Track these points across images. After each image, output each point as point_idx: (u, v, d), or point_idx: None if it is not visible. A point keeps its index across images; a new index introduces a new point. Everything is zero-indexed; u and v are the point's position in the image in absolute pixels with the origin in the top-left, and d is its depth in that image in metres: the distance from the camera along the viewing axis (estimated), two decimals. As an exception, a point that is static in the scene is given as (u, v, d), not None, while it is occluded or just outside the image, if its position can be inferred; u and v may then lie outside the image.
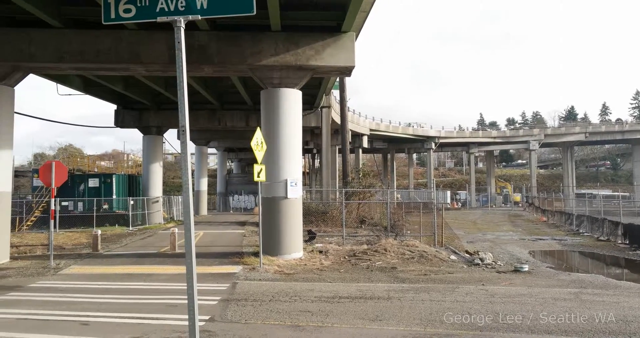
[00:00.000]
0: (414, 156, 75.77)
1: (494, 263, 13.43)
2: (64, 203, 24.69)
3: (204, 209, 40.41)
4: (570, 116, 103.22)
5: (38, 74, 16.37)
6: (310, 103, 28.13)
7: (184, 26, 4.21)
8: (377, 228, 21.79)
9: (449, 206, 50.61)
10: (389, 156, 67.72)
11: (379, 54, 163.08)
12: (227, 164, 58.82)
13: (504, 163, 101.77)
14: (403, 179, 76.22)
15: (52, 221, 13.46)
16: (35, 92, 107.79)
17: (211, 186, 49.14)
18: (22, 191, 36.41)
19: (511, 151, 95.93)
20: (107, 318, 7.56)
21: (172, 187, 57.60)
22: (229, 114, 28.86)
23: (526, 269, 12.46)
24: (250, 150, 12.03)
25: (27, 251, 15.63)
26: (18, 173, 43.33)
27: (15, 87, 14.08)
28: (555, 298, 9.04)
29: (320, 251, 14.69)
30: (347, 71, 14.60)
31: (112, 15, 4.34)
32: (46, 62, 13.34)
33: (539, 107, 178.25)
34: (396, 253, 13.88)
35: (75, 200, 25.67)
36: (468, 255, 14.67)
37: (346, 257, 13.86)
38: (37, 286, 10.42)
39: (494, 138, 65.07)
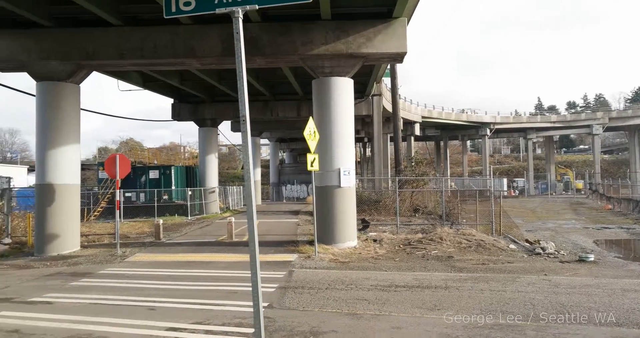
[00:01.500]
0: (468, 143, 73.95)
1: (556, 253, 12.93)
2: (127, 194, 25.88)
3: (257, 199, 41.22)
4: (638, 97, 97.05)
5: (100, 72, 17.14)
6: (361, 92, 27.95)
7: (242, 17, 4.26)
8: (432, 216, 21.47)
9: (505, 194, 49.06)
10: (441, 143, 66.37)
11: (430, 39, 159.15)
12: (279, 154, 59.56)
13: (564, 149, 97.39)
14: (457, 167, 74.53)
15: (117, 212, 14.12)
16: (97, 89, 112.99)
17: (264, 176, 50.02)
18: (89, 183, 38.43)
19: (572, 136, 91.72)
20: (172, 303, 7.88)
21: (227, 178, 59.10)
22: (281, 105, 29.16)
23: (592, 259, 11.92)
24: (302, 140, 12.15)
25: (95, 240, 16.52)
26: (84, 167, 45.70)
27: (80, 85, 14.82)
28: (624, 289, 8.60)
29: (375, 240, 14.65)
30: (399, 57, 14.35)
31: (173, 9, 4.45)
32: (108, 60, 13.92)
33: (602, 89, 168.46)
34: (452, 242, 13.64)
35: (138, 191, 26.86)
36: (528, 244, 14.20)
37: (401, 246, 13.76)
38: (106, 273, 11.01)
39: (554, 122, 62.30)
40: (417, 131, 49.31)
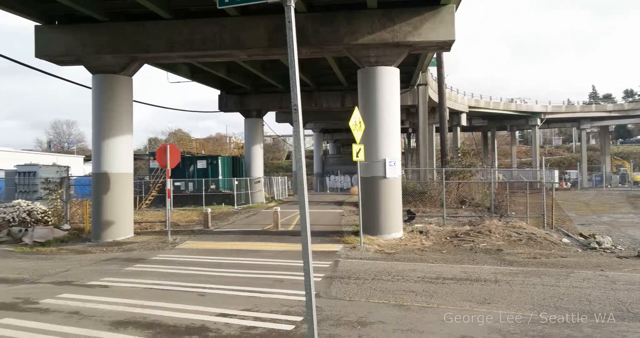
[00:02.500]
0: (517, 133, 71.65)
1: (613, 248, 12.37)
2: (176, 183, 26.64)
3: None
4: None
5: (151, 64, 17.63)
6: (406, 81, 27.55)
7: (294, 5, 4.25)
8: (479, 208, 20.98)
9: (557, 187, 47.30)
10: (489, 134, 64.59)
11: (477, 26, 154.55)
12: (323, 145, 59.68)
13: (620, 140, 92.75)
14: (505, 158, 72.43)
15: (168, 200, 14.56)
16: (147, 81, 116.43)
17: (308, 167, 50.07)
18: (140, 173, 39.74)
19: (629, 126, 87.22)
20: (221, 290, 8.08)
21: (271, 168, 59.83)
22: (325, 95, 29.13)
23: (652, 254, 11.32)
24: (346, 131, 12.11)
25: (147, 228, 17.12)
26: (136, 157, 47.26)
27: (132, 77, 15.31)
28: (690, 287, 8.14)
29: (421, 232, 14.48)
30: (447, 45, 14.01)
31: (226, 0, 4.47)
32: (158, 52, 14.29)
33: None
34: (501, 234, 13.29)
35: (186, 181, 27.61)
36: (582, 238, 13.66)
37: (448, 238, 13.54)
38: (158, 259, 11.40)
39: (609, 111, 59.40)
40: (464, 122, 48.21)
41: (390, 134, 13.88)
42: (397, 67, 14.20)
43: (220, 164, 28.80)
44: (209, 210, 17.55)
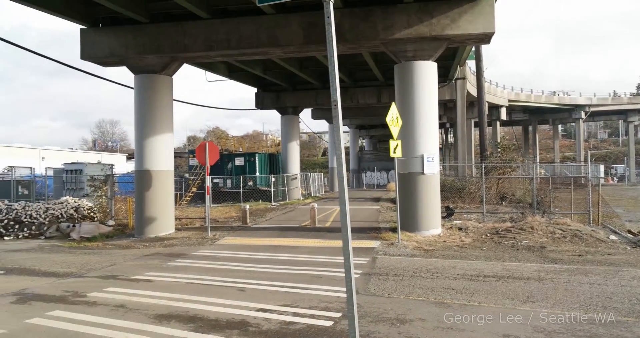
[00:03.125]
0: (559, 127, 69.35)
1: (664, 245, 11.82)
2: (215, 180, 27.14)
3: (338, 186, 41.45)
4: None
5: (190, 63, 17.97)
6: (444, 75, 27.11)
7: (332, 1, 4.23)
8: (520, 205, 20.47)
9: (603, 182, 45.57)
10: (530, 128, 62.80)
11: (518, 16, 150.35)
12: (359, 141, 59.45)
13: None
14: (546, 153, 70.27)
15: (208, 197, 14.85)
16: (185, 80, 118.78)
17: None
18: (180, 170, 40.67)
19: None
20: (260, 285, 8.18)
21: (307, 165, 60.06)
22: (361, 91, 29.00)
23: None
24: (382, 126, 12.01)
25: (187, 224, 17.51)
26: (176, 154, 48.39)
27: (172, 77, 15.65)
28: None
29: (460, 228, 14.24)
30: (486, 38, 13.68)
31: (266, -4, 4.48)
32: (198, 52, 14.54)
33: None
34: (544, 231, 12.91)
35: (224, 178, 28.08)
36: (631, 235, 13.12)
37: (488, 235, 13.26)
38: (198, 254, 11.64)
39: (660, 103, 56.68)
40: (503, 116, 47.05)
41: (428, 130, 13.69)
42: (435, 61, 13.98)
43: (257, 161, 29.14)
44: (247, 207, 17.79)
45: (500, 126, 50.67)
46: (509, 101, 46.63)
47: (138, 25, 14.58)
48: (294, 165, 30.65)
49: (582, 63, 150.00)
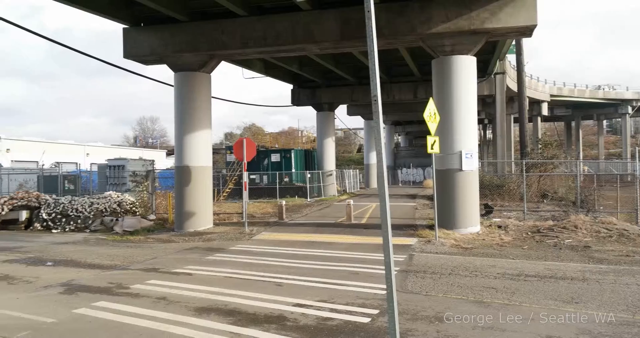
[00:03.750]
0: (604, 122, 66.80)
1: None
2: (251, 176, 27.45)
3: (373, 183, 41.24)
4: None
5: (228, 61, 18.18)
6: (483, 70, 26.51)
7: (373, -5, 4.18)
8: (562, 203, 19.85)
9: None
10: (572, 123, 60.78)
11: (560, 8, 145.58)
12: (395, 137, 58.95)
13: None
14: (590, 150, 67.82)
15: (245, 193, 15.04)
16: (222, 78, 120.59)
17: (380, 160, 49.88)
18: (217, 166, 41.33)
19: None
20: (297, 281, 8.24)
21: (342, 161, 59.94)
22: (397, 87, 28.70)
23: None
24: (418, 123, 11.85)
25: (225, 219, 17.80)
26: (213, 150, 49.08)
27: (210, 74, 15.91)
28: None
29: (499, 226, 13.93)
30: (528, 31, 13.30)
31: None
32: (235, 49, 14.71)
33: None
34: (589, 230, 12.48)
35: (261, 173, 28.38)
36: (683, 236, 12.49)
37: (529, 233, 12.93)
38: (236, 249, 11.82)
39: None
40: (545, 111, 45.72)
41: (466, 126, 13.44)
42: (474, 55, 13.69)
43: (293, 158, 29.32)
44: (284, 202, 17.93)
45: (541, 121, 49.27)
46: (551, 95, 45.24)
47: (177, 23, 14.87)
48: (330, 161, 30.67)
49: (628, 57, 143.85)
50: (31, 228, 16.67)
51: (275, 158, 29.40)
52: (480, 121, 46.52)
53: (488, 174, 26.60)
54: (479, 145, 51.08)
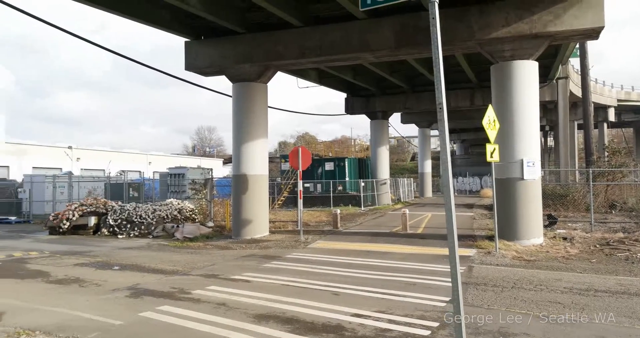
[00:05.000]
0: (680, 128, 62.43)
1: None
2: (306, 185, 27.71)
3: (428, 192, 40.61)
4: None
5: (283, 71, 18.53)
6: (544, 75, 25.56)
7: (437, 1, 4.13)
8: (634, 213, 18.70)
9: None
10: (643, 129, 57.30)
11: (628, 7, 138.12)
12: (450, 145, 57.75)
13: None
14: (663, 157, 63.60)
15: (300, 201, 15.18)
16: (276, 88, 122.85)
17: (434, 168, 49.03)
18: (272, 174, 42.00)
19: None
20: (354, 290, 8.18)
21: (396, 170, 59.32)
22: (453, 94, 28.17)
23: None
24: (475, 130, 11.52)
25: (280, 227, 18.01)
26: (268, 159, 49.99)
27: (267, 84, 16.24)
28: None
29: (564, 238, 13.29)
30: (594, 33, 12.70)
31: (369, 1, 4.53)
32: (290, 59, 14.96)
33: None
34: (664, 244, 11.67)
35: (315, 182, 28.56)
36: None
37: (597, 246, 12.25)
38: (292, 257, 11.92)
39: None
40: (611, 117, 43.50)
41: (528, 133, 12.97)
42: (535, 60, 13.23)
43: (347, 166, 29.33)
44: (338, 211, 17.93)
45: (607, 128, 46.85)
46: (618, 100, 42.97)
47: (235, 35, 15.31)
48: (384, 170, 30.45)
49: None
50: (99, 233, 17.54)
51: (329, 166, 29.52)
52: (541, 128, 44.72)
53: (550, 183, 25.52)
54: (540, 153, 49.16)
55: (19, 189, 25.84)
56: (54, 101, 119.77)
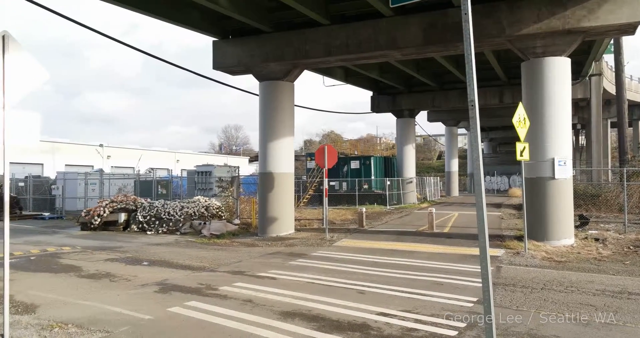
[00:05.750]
0: None
1: None
2: (331, 183, 27.71)
3: (455, 191, 40.13)
4: None
5: (309, 69, 18.55)
6: (576, 72, 24.89)
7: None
8: (670, 215, 18.08)
9: None
10: (681, 128, 55.26)
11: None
12: (478, 144, 56.83)
13: None
14: (702, 156, 61.25)
15: (325, 199, 15.19)
16: (301, 86, 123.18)
17: (461, 167, 48.44)
18: (297, 172, 42.14)
19: None
20: (379, 289, 8.15)
21: (422, 169, 58.78)
22: (481, 92, 27.67)
23: None
24: (503, 129, 11.29)
25: (306, 225, 18.06)
26: (294, 157, 50.15)
27: (293, 83, 16.30)
28: None
29: (596, 239, 12.95)
30: (630, 28, 12.31)
31: (398, -2, 4.50)
32: (318, 58, 14.96)
33: None
34: (703, 246, 11.25)
35: (340, 180, 28.54)
36: None
37: (631, 247, 11.89)
38: (317, 255, 11.94)
39: None
40: (648, 114, 42.03)
41: (559, 131, 12.67)
42: (567, 56, 12.91)
43: (372, 165, 29.20)
44: (364, 209, 17.88)
45: (643, 126, 45.35)
46: (655, 98, 41.52)
47: (263, 34, 15.40)
48: (410, 169, 30.21)
49: None
50: (128, 229, 17.92)
51: (354, 165, 29.44)
52: (572, 126, 43.66)
53: (581, 183, 24.91)
54: (571, 152, 47.95)
55: (53, 186, 26.61)
56: (87, 101, 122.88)
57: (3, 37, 5.47)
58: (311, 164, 29.94)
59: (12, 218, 22.61)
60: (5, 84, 5.48)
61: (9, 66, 5.51)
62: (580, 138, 50.15)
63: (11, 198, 22.88)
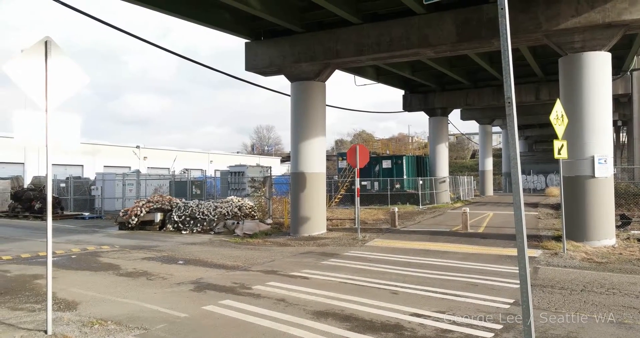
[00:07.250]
0: None
1: None
2: (363, 183, 27.62)
3: (489, 190, 39.38)
4: None
5: (341, 69, 18.54)
6: (617, 67, 24.04)
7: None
8: None
9: None
10: None
11: None
12: (513, 142, 55.54)
13: None
14: None
15: (357, 199, 15.14)
16: (333, 86, 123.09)
17: (495, 166, 47.47)
18: (329, 172, 42.18)
19: None
20: (412, 290, 8.07)
21: (455, 168, 57.92)
22: (516, 89, 26.75)
23: None
24: (539, 126, 10.95)
25: (338, 225, 18.06)
26: (326, 157, 50.21)
27: (325, 83, 16.31)
28: None
29: (639, 239, 12.48)
30: (675, 20, 11.81)
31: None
32: (349, 57, 14.94)
33: None
34: None
35: (372, 180, 28.41)
36: None
37: (677, 249, 11.40)
38: (349, 255, 11.91)
39: None
40: (694, 110, 40.17)
41: (599, 128, 12.27)
42: (608, 51, 12.48)
43: (404, 164, 28.95)
44: (396, 209, 17.75)
45: (689, 122, 43.42)
46: (702, 92, 39.67)
47: (294, 35, 15.48)
48: (442, 168, 29.81)
49: None
50: (164, 229, 18.30)
51: (386, 164, 29.25)
52: (612, 123, 42.21)
53: (623, 181, 24.05)
54: (612, 149, 46.29)
55: (92, 187, 27.47)
56: (124, 103, 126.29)
57: (46, 42, 5.67)
58: (343, 164, 29.91)
59: (54, 218, 23.42)
60: (48, 89, 5.68)
61: (51, 70, 5.71)
62: (621, 135, 48.36)
63: (53, 198, 23.73)
